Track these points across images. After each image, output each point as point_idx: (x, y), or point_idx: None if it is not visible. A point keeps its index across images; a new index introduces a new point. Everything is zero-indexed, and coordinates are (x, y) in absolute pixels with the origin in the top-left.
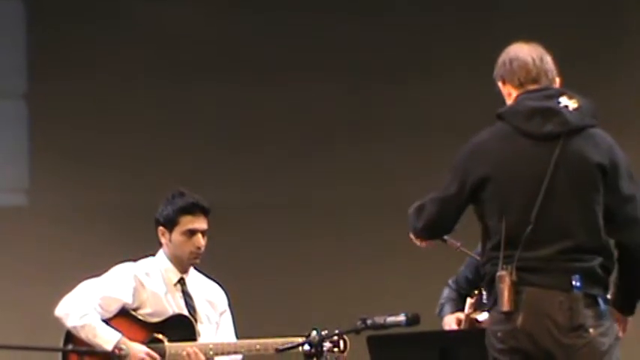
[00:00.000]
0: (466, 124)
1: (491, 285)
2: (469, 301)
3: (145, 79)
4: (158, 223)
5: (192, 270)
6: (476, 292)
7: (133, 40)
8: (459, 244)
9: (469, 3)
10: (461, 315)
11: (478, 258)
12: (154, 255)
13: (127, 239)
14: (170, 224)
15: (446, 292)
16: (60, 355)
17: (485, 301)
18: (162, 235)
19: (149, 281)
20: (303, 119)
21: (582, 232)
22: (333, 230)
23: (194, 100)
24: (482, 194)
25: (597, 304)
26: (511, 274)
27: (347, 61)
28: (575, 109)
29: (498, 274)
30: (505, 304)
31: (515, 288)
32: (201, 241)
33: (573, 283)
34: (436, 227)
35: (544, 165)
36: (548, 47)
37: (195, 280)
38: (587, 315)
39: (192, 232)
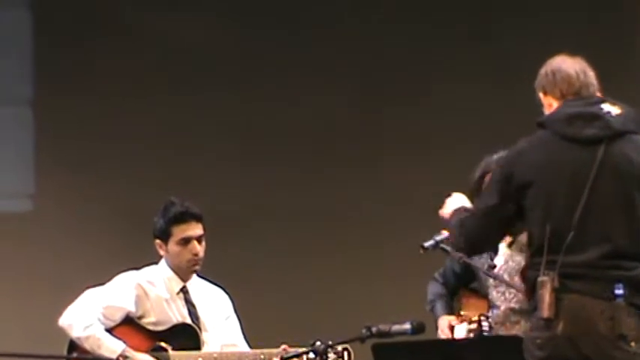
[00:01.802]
0: (469, 134)
1: (534, 291)
2: (466, 327)
3: (149, 87)
4: (154, 237)
5: (194, 277)
6: (474, 318)
7: (138, 48)
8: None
9: (471, 12)
10: (453, 320)
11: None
12: (157, 263)
13: (132, 246)
14: (164, 236)
15: (433, 287)
16: None
17: (484, 329)
18: (160, 247)
19: (152, 290)
20: (307, 127)
21: (625, 237)
22: (336, 238)
23: (198, 108)
24: (525, 201)
25: None
26: (553, 280)
27: (350, 70)
28: (617, 115)
29: (539, 279)
30: (545, 311)
31: (557, 294)
32: (197, 247)
33: (616, 291)
34: (479, 242)
35: (587, 169)
36: (551, 54)
37: (199, 287)
38: (629, 326)
39: (186, 241)
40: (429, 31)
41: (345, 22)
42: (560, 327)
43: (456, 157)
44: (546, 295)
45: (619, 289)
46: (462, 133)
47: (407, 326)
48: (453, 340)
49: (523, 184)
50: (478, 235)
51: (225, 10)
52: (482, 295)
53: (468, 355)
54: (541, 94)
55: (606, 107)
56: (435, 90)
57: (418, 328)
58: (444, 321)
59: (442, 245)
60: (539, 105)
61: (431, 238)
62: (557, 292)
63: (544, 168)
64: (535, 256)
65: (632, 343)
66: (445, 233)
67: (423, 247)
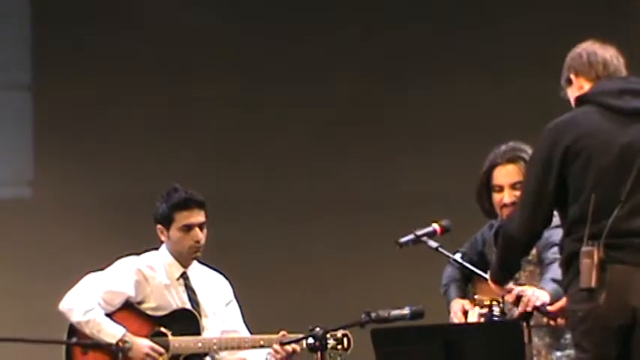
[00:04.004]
0: (473, 125)
1: (571, 262)
2: (478, 311)
3: (149, 73)
4: (156, 222)
5: (195, 263)
6: (486, 302)
7: (137, 34)
8: (436, 245)
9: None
10: (467, 304)
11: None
12: (157, 248)
13: (131, 232)
14: (167, 222)
15: (448, 271)
16: (64, 348)
17: (495, 314)
18: (162, 233)
19: (153, 275)
20: (307, 115)
21: None
22: (335, 225)
23: (198, 94)
24: (569, 170)
25: None
26: (599, 250)
27: (350, 59)
28: None
29: (584, 249)
30: (590, 281)
31: (602, 265)
32: (199, 234)
33: None
34: (534, 223)
35: (637, 141)
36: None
37: (199, 272)
38: None
39: (189, 227)
40: (430, 22)
41: (349, 10)
42: (602, 297)
43: (456, 149)
44: (591, 266)
45: None
46: (463, 125)
47: (406, 312)
48: (452, 325)
49: (570, 152)
50: (531, 221)
51: (226, 1)
52: None
53: (468, 340)
54: (572, 76)
55: None
56: (436, 82)
57: (417, 314)
58: (458, 304)
59: (423, 239)
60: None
61: (408, 233)
62: (602, 263)
63: (592, 138)
64: (575, 225)
65: None
66: (433, 226)
67: (398, 243)
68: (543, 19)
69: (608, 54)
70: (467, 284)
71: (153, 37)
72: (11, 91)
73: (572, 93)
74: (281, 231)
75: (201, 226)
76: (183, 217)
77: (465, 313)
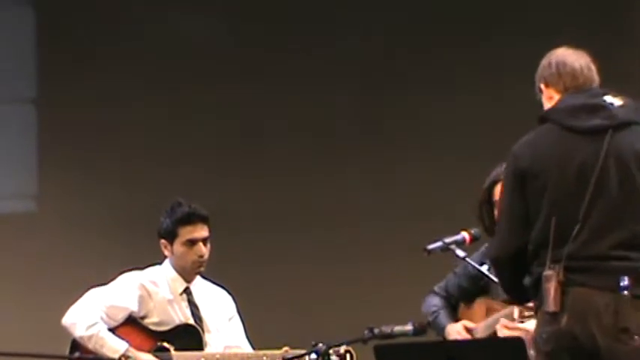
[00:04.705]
0: (473, 135)
1: (538, 286)
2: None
3: (153, 87)
4: (159, 237)
5: (198, 278)
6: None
7: (141, 48)
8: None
9: (473, 14)
10: (468, 323)
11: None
12: (160, 263)
13: (135, 246)
14: (170, 236)
15: (434, 300)
16: None
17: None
18: (165, 247)
19: (156, 290)
20: (310, 127)
21: (631, 228)
22: (337, 237)
23: (201, 107)
24: (530, 194)
25: None
26: (558, 274)
27: (350, 70)
28: (620, 106)
29: (545, 273)
30: (551, 304)
31: (562, 288)
32: (202, 249)
33: (621, 283)
34: (510, 243)
35: (592, 160)
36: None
37: (202, 287)
38: (634, 319)
39: (192, 242)
40: (430, 34)
41: (345, 25)
42: (564, 320)
43: (457, 160)
44: (552, 289)
45: (624, 281)
46: (463, 135)
47: (409, 327)
48: (456, 341)
49: (529, 176)
50: (506, 242)
51: (226, 11)
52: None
53: (471, 356)
54: (542, 86)
55: (609, 99)
56: (436, 92)
57: (420, 330)
58: (455, 326)
59: (452, 247)
60: (537, 99)
61: (436, 240)
62: (562, 286)
63: (549, 160)
64: (539, 250)
65: (636, 337)
66: (462, 234)
67: (426, 249)
68: (543, 28)
69: (578, 63)
70: (456, 313)
71: (155, 50)
72: (16, 104)
73: (544, 102)
74: (283, 244)
75: (204, 240)
76: (187, 232)
77: (470, 331)
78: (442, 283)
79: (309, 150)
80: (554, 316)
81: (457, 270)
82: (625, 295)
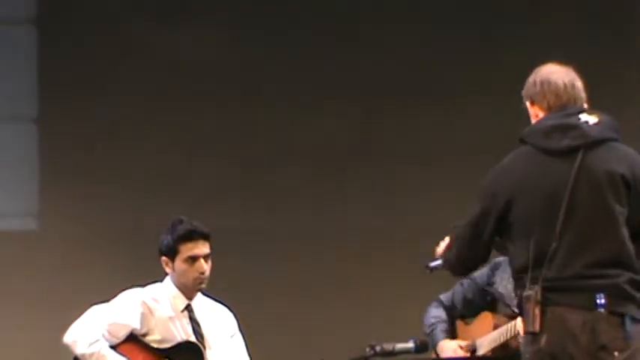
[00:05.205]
0: (476, 154)
1: (522, 307)
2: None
3: (156, 104)
4: (161, 254)
5: (199, 295)
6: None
7: (144, 64)
8: None
9: (479, 24)
10: (462, 342)
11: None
12: (161, 281)
13: (137, 264)
14: (172, 253)
15: (436, 311)
16: None
17: None
18: (166, 264)
19: (157, 307)
20: (308, 147)
21: (607, 245)
22: (339, 257)
23: (205, 124)
24: (509, 217)
25: (624, 324)
26: (537, 294)
27: (351, 90)
28: (595, 124)
29: (525, 294)
30: (531, 325)
31: (542, 308)
32: (203, 266)
33: (597, 301)
34: (468, 260)
35: (564, 180)
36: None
37: (203, 305)
38: (611, 336)
39: (193, 259)
40: (430, 51)
41: (348, 40)
42: (543, 340)
43: (459, 175)
44: (531, 310)
45: (600, 298)
46: (465, 153)
47: (410, 345)
48: (456, 358)
49: (505, 201)
50: (465, 255)
51: (227, 30)
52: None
53: None
54: (528, 104)
55: (584, 117)
56: (437, 111)
57: (422, 347)
58: (449, 345)
59: None
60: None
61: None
62: (542, 306)
63: (524, 184)
64: (520, 272)
65: (616, 353)
66: None
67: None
68: (544, 40)
69: (562, 81)
70: (453, 325)
71: (156, 69)
72: (17, 123)
73: (531, 118)
74: (284, 264)
75: (206, 257)
76: (188, 249)
77: (469, 347)
78: (449, 293)
79: (310, 170)
80: (535, 336)
81: (464, 281)
82: (601, 313)
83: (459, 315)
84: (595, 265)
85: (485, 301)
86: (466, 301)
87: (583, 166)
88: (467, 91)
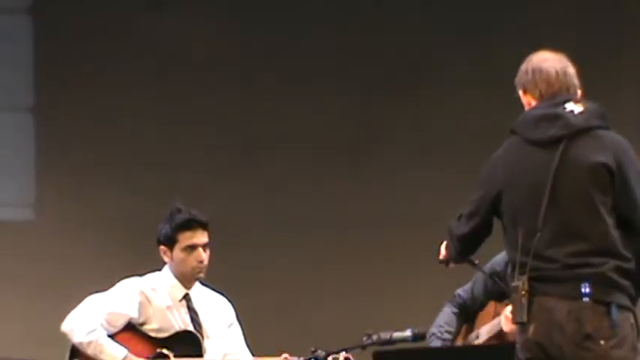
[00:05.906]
0: (473, 142)
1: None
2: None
3: (151, 94)
4: (159, 243)
5: (197, 284)
6: None
7: (140, 54)
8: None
9: (473, 24)
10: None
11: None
12: (160, 270)
13: (134, 253)
14: (170, 242)
15: (445, 317)
16: None
17: None
18: (164, 253)
19: (155, 296)
20: (306, 135)
21: (590, 234)
22: (338, 245)
23: (200, 115)
24: (500, 208)
25: (609, 312)
26: (524, 284)
27: (350, 79)
28: (580, 113)
29: (513, 284)
30: (519, 315)
31: (529, 298)
32: (202, 255)
33: (582, 290)
34: (468, 245)
35: (546, 170)
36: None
37: (201, 294)
38: (596, 325)
39: (192, 248)
40: (428, 41)
41: (345, 30)
42: (531, 330)
43: (459, 164)
44: (519, 300)
45: (585, 287)
46: (463, 142)
47: (408, 333)
48: (454, 347)
49: (497, 191)
50: (466, 240)
51: (226, 17)
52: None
53: None
54: (520, 92)
55: (569, 106)
56: (435, 100)
57: (419, 336)
58: None
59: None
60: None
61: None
62: (529, 296)
63: (512, 175)
64: (511, 264)
65: (602, 342)
66: None
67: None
68: (545, 34)
69: (554, 69)
70: (461, 327)
71: (154, 58)
72: (13, 112)
73: (525, 108)
74: (282, 252)
75: (204, 246)
76: (187, 238)
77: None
78: (468, 285)
79: (308, 158)
80: (523, 326)
81: (486, 267)
82: (586, 302)
83: (480, 306)
84: (579, 254)
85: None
86: (487, 291)
87: (565, 156)
88: (464, 82)
